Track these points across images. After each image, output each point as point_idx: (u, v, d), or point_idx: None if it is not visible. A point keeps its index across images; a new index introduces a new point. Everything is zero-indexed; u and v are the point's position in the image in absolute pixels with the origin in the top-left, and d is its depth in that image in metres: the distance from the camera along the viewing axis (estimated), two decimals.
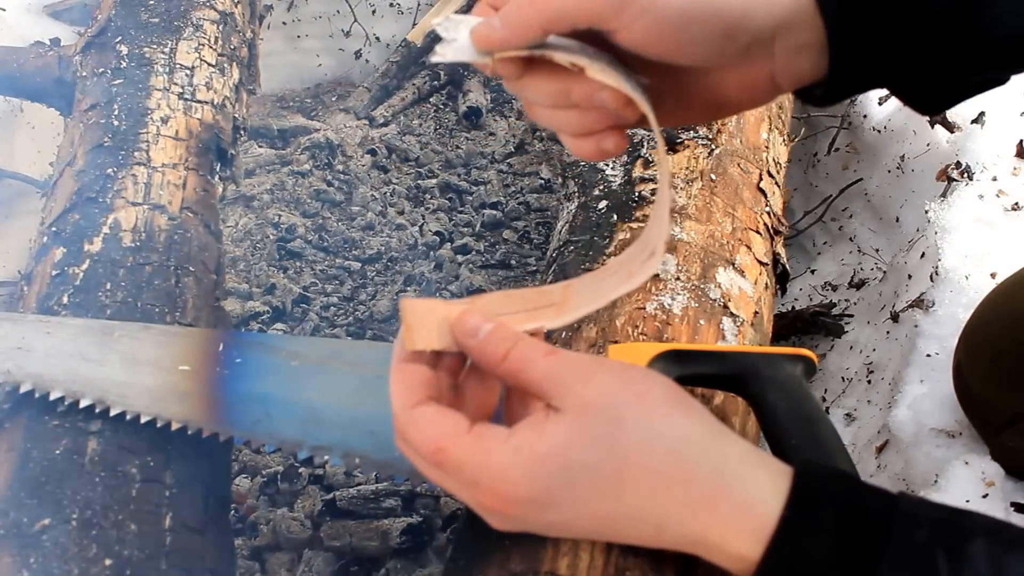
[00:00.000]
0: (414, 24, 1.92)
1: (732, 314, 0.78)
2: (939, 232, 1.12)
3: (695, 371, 0.67)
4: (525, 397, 0.51)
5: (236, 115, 1.07)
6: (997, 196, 1.15)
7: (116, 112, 0.96)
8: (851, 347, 1.23)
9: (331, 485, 1.09)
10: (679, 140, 0.93)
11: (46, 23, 1.74)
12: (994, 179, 1.16)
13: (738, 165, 0.93)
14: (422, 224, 1.52)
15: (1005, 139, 1.20)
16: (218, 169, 0.99)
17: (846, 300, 1.32)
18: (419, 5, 1.95)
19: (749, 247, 0.86)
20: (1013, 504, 0.86)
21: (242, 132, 1.08)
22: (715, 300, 0.78)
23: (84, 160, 0.91)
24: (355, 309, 1.37)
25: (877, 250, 1.33)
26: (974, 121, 1.23)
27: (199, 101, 1.01)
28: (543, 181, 1.61)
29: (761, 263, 0.86)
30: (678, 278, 0.78)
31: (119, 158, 0.91)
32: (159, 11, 1.08)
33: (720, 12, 0.49)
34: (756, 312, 0.82)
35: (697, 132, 0.94)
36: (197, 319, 0.81)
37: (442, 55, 0.50)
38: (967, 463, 0.90)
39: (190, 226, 0.88)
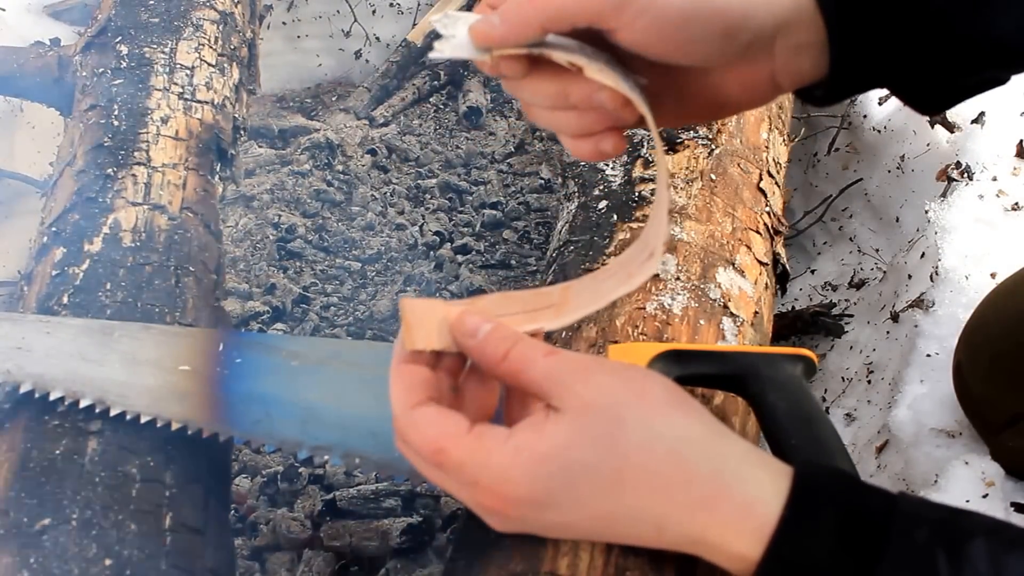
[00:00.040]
0: (414, 24, 1.92)
1: (732, 314, 0.78)
2: (939, 232, 1.12)
3: (695, 371, 0.67)
4: (525, 398, 0.51)
5: (236, 115, 1.07)
6: (997, 196, 1.15)
7: (116, 112, 0.95)
8: (851, 347, 1.23)
9: (331, 485, 1.09)
10: (679, 140, 0.93)
11: (46, 23, 1.74)
12: (994, 179, 1.16)
13: (738, 165, 0.93)
14: (422, 224, 1.52)
15: (1005, 139, 1.20)
16: (218, 169, 0.99)
17: (846, 300, 1.32)
18: (419, 5, 1.95)
19: (749, 247, 0.86)
20: (1013, 504, 0.86)
21: (242, 132, 1.08)
22: (715, 300, 0.78)
23: (84, 160, 0.91)
24: (355, 309, 1.37)
25: (877, 250, 1.33)
26: (974, 121, 1.23)
27: (199, 101, 1.01)
28: (543, 181, 1.61)
29: (761, 263, 0.86)
30: (678, 278, 0.78)
31: (119, 158, 0.91)
32: (159, 11, 1.08)
33: (721, 11, 0.49)
34: (756, 312, 0.82)
35: (697, 132, 0.94)
36: (197, 319, 0.81)
37: (440, 51, 0.50)
38: (967, 463, 0.90)
39: (190, 226, 0.88)
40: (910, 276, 1.14)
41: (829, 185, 1.46)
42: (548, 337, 0.54)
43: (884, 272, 1.28)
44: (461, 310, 0.52)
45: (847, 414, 1.12)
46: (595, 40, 0.51)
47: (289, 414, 0.70)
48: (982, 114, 1.22)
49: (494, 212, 1.53)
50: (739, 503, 0.46)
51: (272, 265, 1.44)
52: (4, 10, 1.69)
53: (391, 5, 1.96)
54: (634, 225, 0.85)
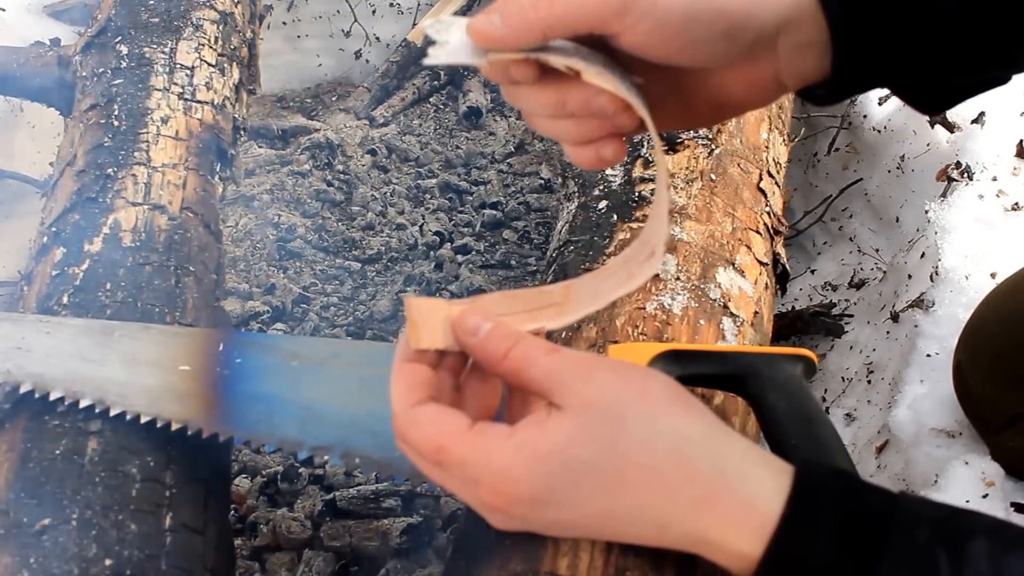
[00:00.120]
0: (414, 24, 1.92)
1: (732, 314, 0.78)
2: (939, 232, 1.12)
3: (695, 371, 0.67)
4: (527, 396, 0.51)
5: (236, 115, 1.07)
6: (997, 196, 1.15)
7: (116, 112, 0.95)
8: (851, 347, 1.23)
9: (331, 485, 1.09)
10: (679, 140, 0.93)
11: (46, 23, 1.74)
12: (994, 179, 1.17)
13: (738, 165, 0.93)
14: (422, 224, 1.52)
15: (1005, 139, 1.20)
16: (218, 169, 0.99)
17: (846, 300, 1.32)
18: (419, 5, 1.96)
19: (749, 247, 0.86)
20: (1013, 504, 0.86)
21: (242, 132, 1.08)
22: (715, 300, 0.78)
23: (84, 160, 0.91)
24: (355, 309, 1.37)
25: (877, 250, 1.33)
26: (974, 121, 1.23)
27: (199, 101, 1.01)
28: (543, 181, 1.61)
29: (761, 263, 0.86)
30: (678, 278, 0.78)
31: (119, 158, 0.91)
32: (159, 11, 1.08)
33: (723, 11, 0.49)
34: (756, 312, 0.82)
35: (697, 132, 0.94)
36: (197, 319, 0.81)
37: (435, 57, 0.50)
38: (967, 463, 0.90)
39: (190, 226, 0.88)
40: (910, 276, 1.14)
41: (829, 185, 1.46)
42: (549, 336, 0.54)
43: (884, 272, 1.28)
44: (463, 309, 0.52)
45: (847, 414, 1.12)
46: (591, 42, 0.51)
47: (289, 414, 0.70)
48: (982, 114, 1.22)
49: (494, 212, 1.53)
50: (740, 501, 0.46)
51: (272, 265, 1.44)
52: (4, 10, 1.69)
53: (391, 5, 1.96)
54: (634, 225, 0.85)
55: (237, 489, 1.09)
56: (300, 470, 1.10)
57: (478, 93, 1.80)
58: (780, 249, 0.92)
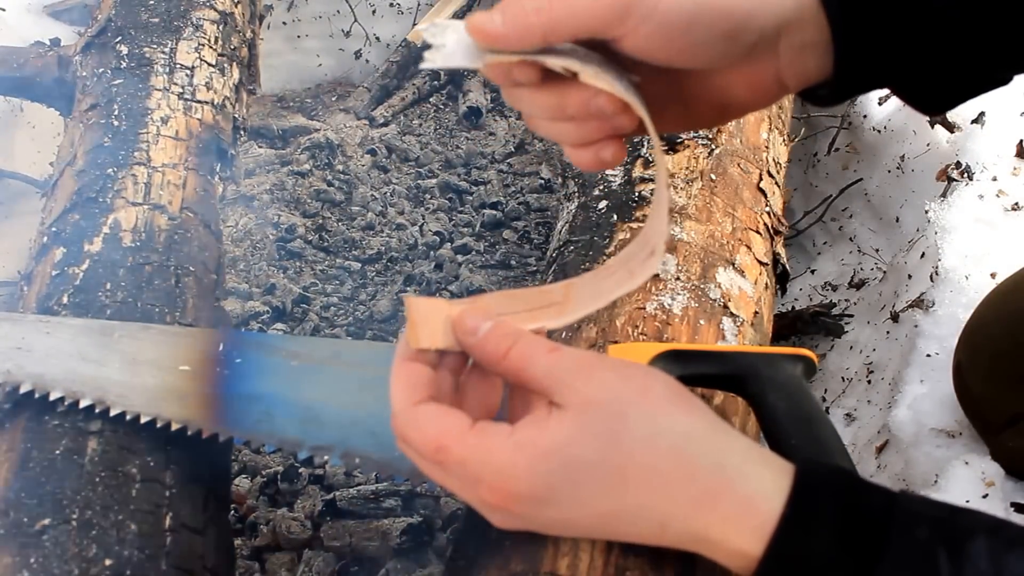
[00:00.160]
0: (414, 24, 1.92)
1: (732, 314, 0.78)
2: (939, 232, 1.12)
3: (695, 371, 0.67)
4: (528, 395, 0.51)
5: (236, 115, 1.07)
6: (997, 196, 1.15)
7: (116, 112, 0.95)
8: (851, 347, 1.23)
9: (331, 485, 1.10)
10: (679, 140, 0.93)
11: (46, 23, 1.74)
12: (994, 179, 1.17)
13: (738, 165, 0.93)
14: (422, 224, 1.52)
15: (1005, 139, 1.20)
16: (218, 169, 0.99)
17: (846, 300, 1.32)
18: (419, 5, 1.96)
19: (749, 247, 0.86)
20: (1013, 504, 0.86)
21: (242, 132, 1.08)
22: (715, 300, 0.78)
23: (84, 160, 0.91)
24: (355, 309, 1.37)
25: (877, 250, 1.33)
26: (974, 121, 1.23)
27: (199, 101, 1.01)
28: (543, 181, 1.61)
29: (761, 263, 0.86)
30: (678, 278, 0.78)
31: (119, 158, 0.91)
32: (159, 11, 1.08)
33: (724, 13, 0.49)
34: (756, 312, 0.82)
35: (697, 132, 0.94)
36: (197, 319, 0.81)
37: (431, 61, 0.49)
38: (967, 463, 0.90)
39: (190, 226, 0.88)
40: (910, 276, 1.14)
41: (829, 185, 1.46)
42: (549, 336, 0.54)
43: (884, 272, 1.28)
44: (463, 309, 0.52)
45: (847, 414, 1.13)
46: (590, 44, 0.51)
47: (289, 414, 0.70)
48: (982, 114, 1.22)
49: (494, 212, 1.53)
50: (741, 499, 0.46)
51: (272, 265, 1.44)
52: (4, 10, 1.69)
53: (391, 5, 1.96)
54: (634, 225, 0.85)
55: (237, 489, 1.09)
56: (300, 470, 1.10)
57: (478, 93, 1.80)
58: (780, 249, 0.92)
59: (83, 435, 0.68)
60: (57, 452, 0.66)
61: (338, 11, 1.92)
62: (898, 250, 1.24)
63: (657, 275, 0.77)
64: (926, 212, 1.16)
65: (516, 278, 1.43)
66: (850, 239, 1.40)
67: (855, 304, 1.30)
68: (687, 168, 0.90)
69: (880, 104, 1.38)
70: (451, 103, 1.84)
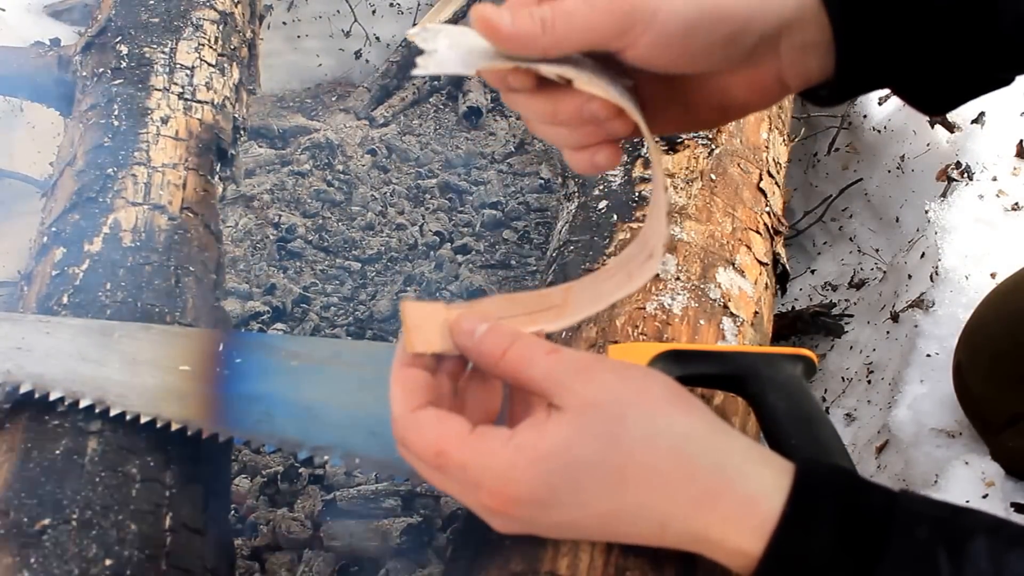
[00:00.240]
0: (414, 24, 1.92)
1: (732, 314, 0.78)
2: (939, 232, 1.12)
3: (695, 371, 0.67)
4: (528, 399, 0.51)
5: (236, 115, 1.07)
6: (997, 196, 1.15)
7: (116, 112, 0.95)
8: (851, 347, 1.23)
9: (331, 485, 1.10)
10: (679, 140, 0.93)
11: (46, 23, 1.74)
12: (994, 179, 1.17)
13: (738, 165, 0.93)
14: (422, 224, 1.52)
15: (1005, 139, 1.20)
16: (218, 169, 0.99)
17: (846, 300, 1.32)
18: (419, 5, 1.96)
19: (749, 247, 0.86)
20: (1013, 504, 0.86)
21: (242, 132, 1.08)
22: (715, 300, 0.78)
23: (84, 160, 0.91)
24: (355, 309, 1.37)
25: (877, 250, 1.33)
26: (974, 121, 1.23)
27: (199, 101, 1.01)
28: (543, 181, 1.61)
29: (761, 263, 0.86)
30: (678, 278, 0.78)
31: (119, 158, 0.91)
32: (159, 11, 1.08)
33: (724, 18, 0.49)
34: (756, 312, 0.82)
35: (697, 132, 0.94)
36: (197, 319, 0.81)
37: (424, 67, 0.49)
38: (967, 463, 0.90)
39: (190, 226, 0.88)
40: (910, 276, 1.14)
41: (829, 185, 1.46)
42: (548, 338, 0.54)
43: (884, 272, 1.28)
44: (460, 312, 0.51)
45: (847, 414, 1.13)
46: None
47: (289, 414, 0.70)
48: (982, 114, 1.22)
49: (494, 212, 1.53)
50: (741, 499, 0.46)
51: (272, 265, 1.44)
52: (4, 10, 1.69)
53: (391, 5, 1.96)
54: (634, 225, 0.85)
55: (237, 489, 1.09)
56: (300, 470, 1.10)
57: (478, 93, 1.80)
58: (780, 249, 0.92)
59: (83, 435, 0.68)
60: (57, 452, 0.66)
61: (338, 11, 1.92)
62: (898, 250, 1.24)
63: (657, 275, 0.77)
64: (926, 212, 1.16)
65: (516, 278, 1.43)
66: (850, 239, 1.40)
67: (855, 304, 1.30)
68: (687, 168, 0.90)
69: (880, 104, 1.38)
70: (451, 103, 1.84)
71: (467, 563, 0.61)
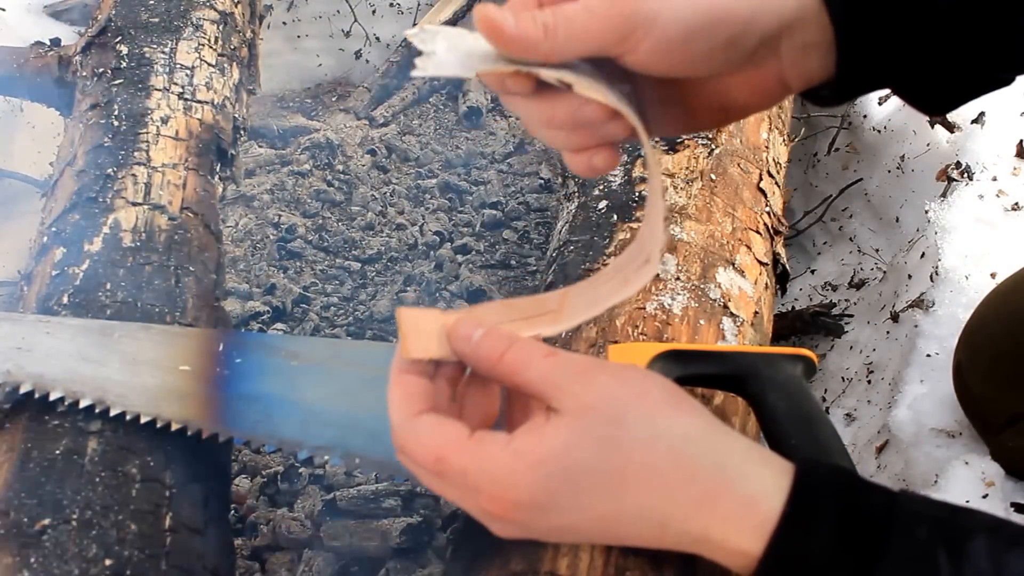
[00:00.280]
0: (414, 24, 1.92)
1: (732, 314, 0.78)
2: (939, 232, 1.12)
3: (695, 371, 0.67)
4: (527, 403, 0.51)
5: (236, 115, 1.07)
6: (997, 196, 1.15)
7: (116, 112, 0.96)
8: (851, 347, 1.23)
9: (331, 485, 1.09)
10: (679, 140, 0.93)
11: (46, 23, 1.74)
12: (994, 179, 1.17)
13: (738, 165, 0.93)
14: (422, 224, 1.52)
15: (1005, 139, 1.20)
16: (218, 169, 0.99)
17: (846, 300, 1.32)
18: (419, 5, 1.96)
19: (749, 247, 0.86)
20: (1013, 504, 0.86)
21: (242, 132, 1.08)
22: (715, 300, 0.78)
23: (84, 160, 0.91)
24: (355, 309, 1.37)
25: (877, 250, 1.33)
26: (974, 121, 1.23)
27: (199, 101, 1.01)
28: (543, 181, 1.61)
29: (761, 263, 0.86)
30: (678, 278, 0.78)
31: (119, 158, 0.91)
32: (159, 11, 1.08)
33: (724, 22, 0.49)
34: (756, 312, 0.82)
35: (698, 133, 0.94)
36: (197, 319, 0.81)
37: (423, 69, 0.49)
38: (967, 463, 0.90)
39: (190, 226, 0.88)
40: (910, 276, 1.14)
41: (829, 185, 1.46)
42: (547, 340, 0.54)
43: (884, 272, 1.28)
44: (457, 318, 0.51)
45: (847, 414, 1.13)
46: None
47: (289, 414, 0.70)
48: (982, 114, 1.22)
49: (494, 212, 1.53)
50: (741, 499, 0.46)
51: (272, 265, 1.44)
52: (4, 10, 1.69)
53: (391, 5, 1.96)
54: (634, 225, 0.85)
55: (237, 489, 1.09)
56: (300, 470, 1.10)
57: (478, 93, 1.80)
58: (780, 249, 0.92)
59: (83, 435, 0.68)
60: (57, 452, 0.66)
61: (338, 11, 1.92)
62: (898, 250, 1.24)
63: (657, 275, 0.77)
64: (926, 212, 1.16)
65: (516, 278, 1.43)
66: (850, 239, 1.40)
67: (855, 304, 1.30)
68: (687, 168, 0.90)
69: (880, 104, 1.38)
70: (451, 103, 1.84)
71: (467, 563, 0.61)
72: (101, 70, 1.01)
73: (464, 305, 1.36)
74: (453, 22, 1.81)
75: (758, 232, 0.88)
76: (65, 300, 0.77)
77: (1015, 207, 1.13)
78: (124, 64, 1.01)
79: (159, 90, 0.99)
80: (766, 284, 0.87)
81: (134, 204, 0.87)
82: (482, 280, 1.40)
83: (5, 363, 0.70)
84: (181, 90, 1.01)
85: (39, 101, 1.17)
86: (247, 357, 0.74)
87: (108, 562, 0.61)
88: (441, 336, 0.51)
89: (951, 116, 1.25)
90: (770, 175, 0.96)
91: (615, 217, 0.87)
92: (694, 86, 0.53)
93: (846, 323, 1.27)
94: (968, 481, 0.89)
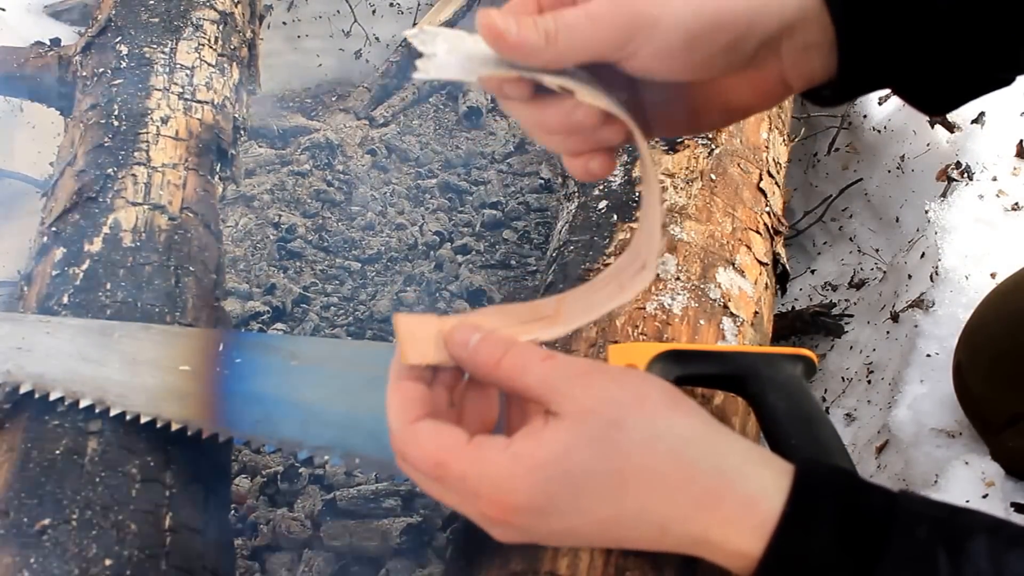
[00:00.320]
0: (414, 24, 1.92)
1: (732, 314, 0.78)
2: (939, 232, 1.12)
3: (695, 371, 0.67)
4: (525, 406, 0.51)
5: (236, 115, 1.07)
6: (997, 196, 1.15)
7: (116, 112, 0.96)
8: (851, 347, 1.23)
9: (331, 485, 1.10)
10: (679, 140, 0.93)
11: (46, 23, 1.74)
12: (994, 179, 1.17)
13: (738, 165, 0.93)
14: (422, 224, 1.52)
15: (1005, 139, 1.20)
16: (218, 169, 0.99)
17: (846, 300, 1.32)
18: (419, 5, 1.96)
19: (749, 247, 0.86)
20: (1013, 504, 0.86)
21: (242, 132, 1.08)
22: (715, 300, 0.78)
23: (84, 160, 0.91)
24: (355, 309, 1.37)
25: (877, 250, 1.33)
26: (974, 121, 1.23)
27: (199, 101, 1.01)
28: (543, 181, 1.61)
29: (761, 263, 0.86)
30: (678, 278, 0.78)
31: (119, 158, 0.91)
32: (159, 11, 1.08)
33: (724, 25, 0.49)
34: (756, 312, 0.82)
35: (699, 134, 0.94)
36: (197, 319, 0.81)
37: (424, 72, 0.48)
38: (967, 463, 0.90)
39: (190, 226, 0.88)
40: (910, 276, 1.14)
41: (829, 185, 1.46)
42: (546, 341, 0.54)
43: (884, 272, 1.28)
44: (454, 323, 0.51)
45: (847, 414, 1.13)
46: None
47: (289, 414, 0.70)
48: (982, 114, 1.22)
49: (494, 212, 1.53)
50: (741, 500, 0.46)
51: (272, 265, 1.44)
52: (4, 10, 1.69)
53: (391, 5, 1.96)
54: (634, 225, 0.85)
55: (237, 489, 1.09)
56: (300, 470, 1.10)
57: (478, 93, 1.80)
58: (780, 249, 0.92)
59: (83, 435, 0.68)
60: (57, 452, 0.67)
61: (338, 11, 1.92)
62: (898, 250, 1.24)
63: (657, 275, 0.77)
64: (926, 212, 1.16)
65: (516, 278, 1.43)
66: (850, 239, 1.40)
67: (855, 304, 1.30)
68: (687, 168, 0.90)
69: (880, 104, 1.38)
70: (451, 103, 1.84)
71: (467, 563, 0.61)
72: (101, 70, 1.01)
73: (464, 305, 1.36)
74: (453, 22, 1.81)
75: (758, 232, 0.88)
76: (65, 300, 0.77)
77: (1015, 207, 1.13)
78: (124, 64, 1.01)
79: (159, 90, 0.99)
80: (766, 284, 0.87)
81: (134, 204, 0.87)
82: (482, 280, 1.40)
83: (5, 363, 0.70)
84: (181, 90, 1.01)
85: (39, 101, 1.17)
86: (247, 357, 0.74)
87: (108, 562, 0.61)
88: (438, 342, 0.51)
89: (951, 116, 1.25)
90: (770, 175, 0.96)
91: (615, 217, 0.87)
92: (695, 88, 0.53)
93: (846, 323, 1.27)
94: (968, 481, 0.89)
